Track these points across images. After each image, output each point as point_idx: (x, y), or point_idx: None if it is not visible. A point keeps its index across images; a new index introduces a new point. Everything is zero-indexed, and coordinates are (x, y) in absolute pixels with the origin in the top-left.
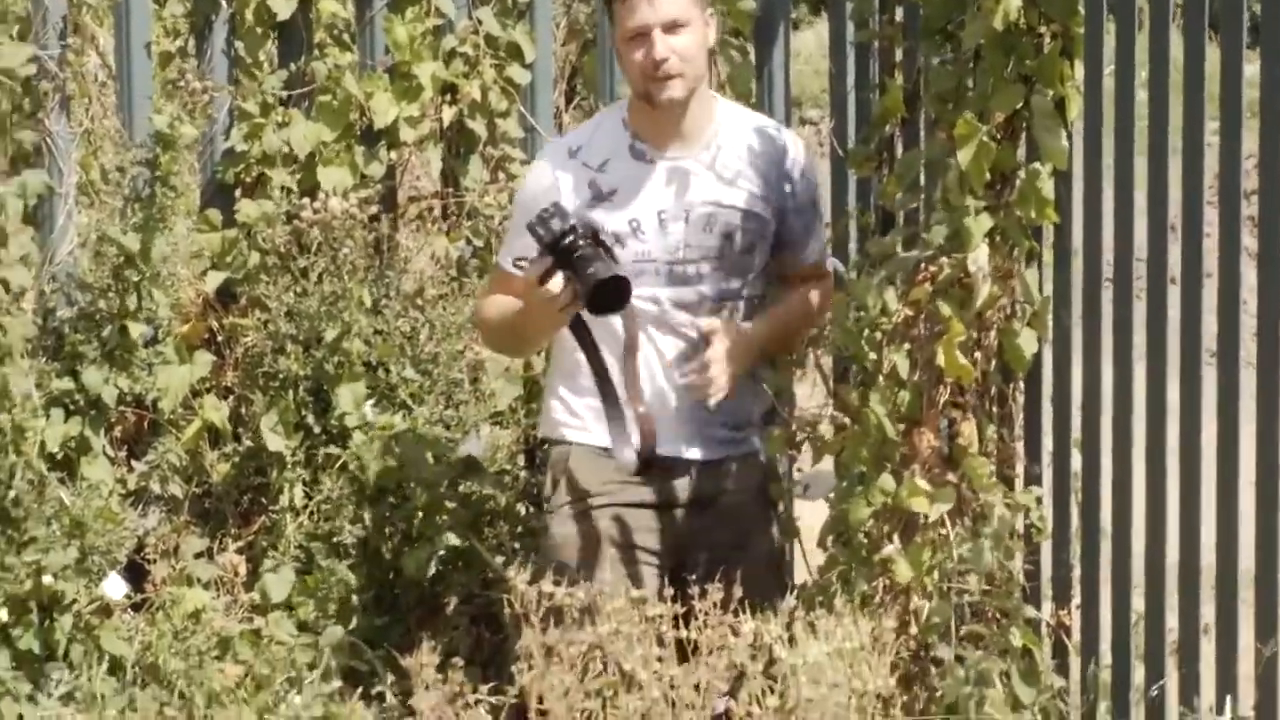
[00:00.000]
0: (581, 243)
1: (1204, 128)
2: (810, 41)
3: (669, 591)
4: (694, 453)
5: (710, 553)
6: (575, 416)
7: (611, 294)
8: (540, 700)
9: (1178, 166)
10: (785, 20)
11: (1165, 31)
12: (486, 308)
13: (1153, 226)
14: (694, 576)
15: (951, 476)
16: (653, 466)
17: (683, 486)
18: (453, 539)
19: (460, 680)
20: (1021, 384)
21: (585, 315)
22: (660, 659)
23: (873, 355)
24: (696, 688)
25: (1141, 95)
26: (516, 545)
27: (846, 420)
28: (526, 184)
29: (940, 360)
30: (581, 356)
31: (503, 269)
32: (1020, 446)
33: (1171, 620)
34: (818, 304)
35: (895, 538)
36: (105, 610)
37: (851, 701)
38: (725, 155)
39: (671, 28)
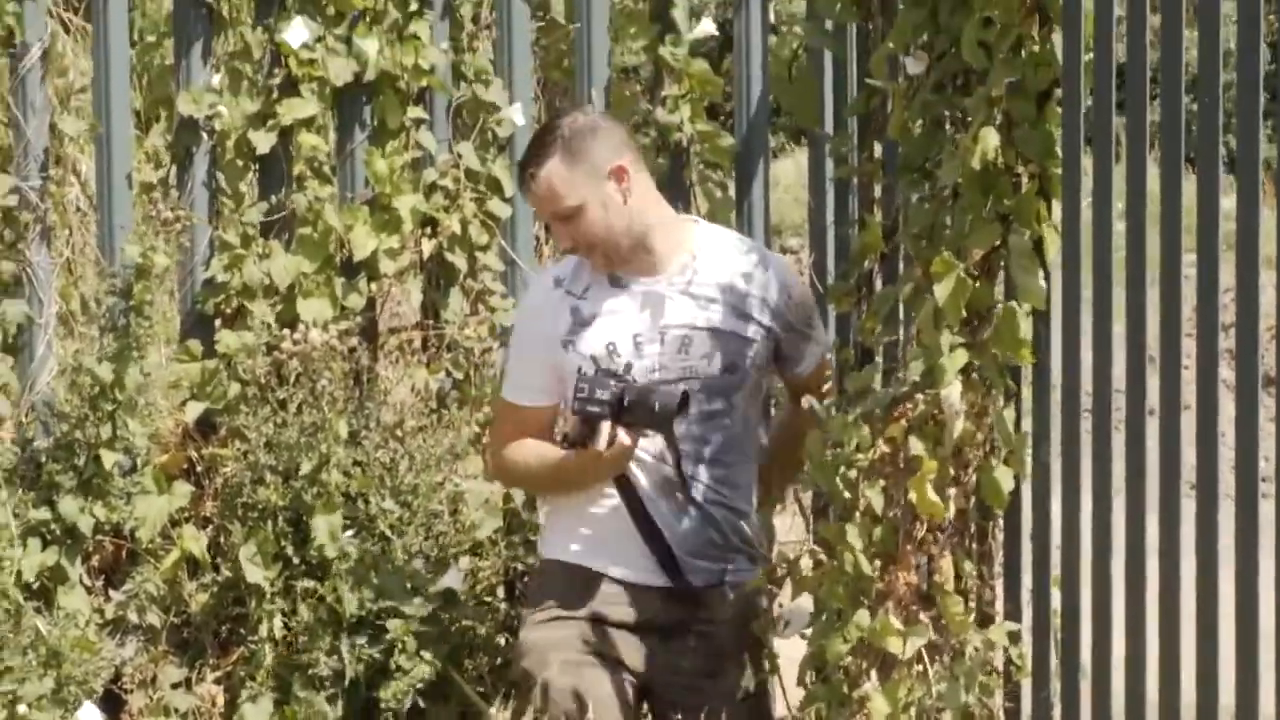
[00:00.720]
0: (626, 391)
1: (1181, 260)
2: (790, 170)
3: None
4: (667, 583)
5: (683, 680)
6: (569, 536)
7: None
8: None
9: (1156, 298)
10: (764, 155)
11: (1143, 164)
12: (517, 454)
13: (1131, 358)
14: (669, 703)
15: (926, 615)
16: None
17: (657, 610)
18: (431, 671)
19: None
20: (1000, 520)
21: None
22: None
23: (847, 493)
24: None
25: (1119, 226)
26: (495, 679)
27: (824, 556)
28: (523, 312)
29: (913, 497)
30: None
31: (515, 404)
32: (999, 584)
33: None
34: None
35: (873, 675)
36: None
37: None
38: (702, 278)
39: (563, 218)
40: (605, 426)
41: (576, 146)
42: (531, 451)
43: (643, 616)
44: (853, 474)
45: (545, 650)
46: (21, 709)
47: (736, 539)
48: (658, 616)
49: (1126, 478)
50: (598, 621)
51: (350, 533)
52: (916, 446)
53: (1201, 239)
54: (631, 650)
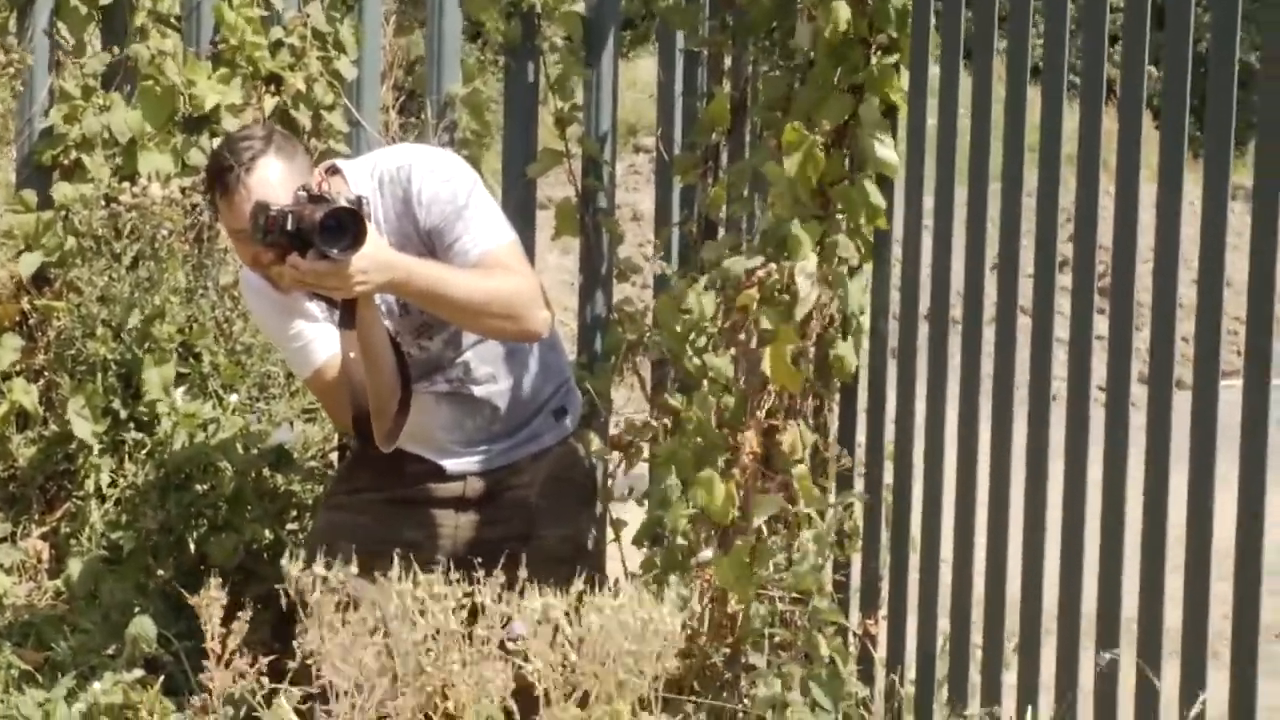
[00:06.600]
0: (290, 213)
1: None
2: (652, 70)
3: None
4: (473, 465)
5: (492, 546)
6: None
7: (349, 219)
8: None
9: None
10: (614, 24)
11: (988, 70)
12: (340, 398)
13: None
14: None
15: (770, 485)
16: None
17: (464, 487)
18: (260, 530)
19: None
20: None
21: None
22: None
23: (696, 360)
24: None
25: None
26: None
27: (666, 424)
28: (257, 308)
29: (766, 368)
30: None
31: (317, 372)
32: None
33: (977, 634)
34: (498, 282)
35: (714, 542)
36: None
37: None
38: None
39: None
40: (288, 250)
41: (288, 147)
42: (340, 383)
43: (450, 493)
44: (702, 342)
45: (335, 539)
46: None
47: (516, 418)
48: (465, 491)
49: (961, 379)
50: (402, 502)
51: (182, 389)
52: (769, 317)
53: (1044, 148)
54: (435, 527)
